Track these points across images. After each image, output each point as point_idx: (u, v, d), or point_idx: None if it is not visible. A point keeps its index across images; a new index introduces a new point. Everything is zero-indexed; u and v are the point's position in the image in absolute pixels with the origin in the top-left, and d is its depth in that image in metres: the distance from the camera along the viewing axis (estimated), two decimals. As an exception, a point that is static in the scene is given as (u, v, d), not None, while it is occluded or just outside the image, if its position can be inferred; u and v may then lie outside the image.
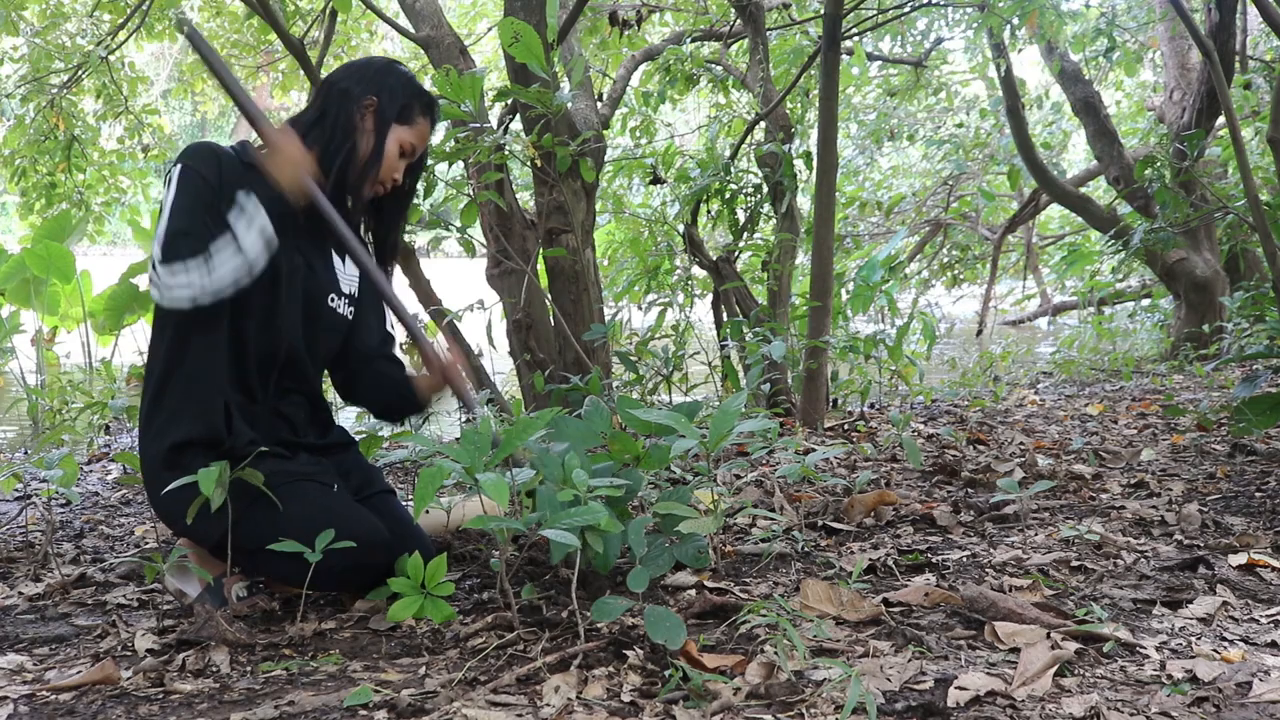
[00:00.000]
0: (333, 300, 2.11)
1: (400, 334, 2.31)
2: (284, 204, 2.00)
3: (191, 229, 1.86)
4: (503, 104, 4.05)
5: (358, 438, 2.53)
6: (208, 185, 1.93)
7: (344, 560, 1.85)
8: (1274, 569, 2.02)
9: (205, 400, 1.96)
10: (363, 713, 1.44)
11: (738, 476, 2.89)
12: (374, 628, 1.86)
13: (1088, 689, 1.43)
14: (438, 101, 2.18)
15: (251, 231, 1.86)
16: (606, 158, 4.85)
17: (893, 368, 4.57)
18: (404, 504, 2.24)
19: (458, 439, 1.82)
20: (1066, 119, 9.43)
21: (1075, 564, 2.06)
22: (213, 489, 1.75)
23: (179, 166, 1.94)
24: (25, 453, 4.46)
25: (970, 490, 2.85)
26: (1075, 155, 12.65)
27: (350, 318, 2.17)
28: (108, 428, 5.08)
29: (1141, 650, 1.58)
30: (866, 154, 10.37)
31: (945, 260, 10.81)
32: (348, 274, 2.16)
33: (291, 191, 1.97)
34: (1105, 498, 2.72)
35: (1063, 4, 7.02)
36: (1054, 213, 11.24)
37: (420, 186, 3.18)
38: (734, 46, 6.68)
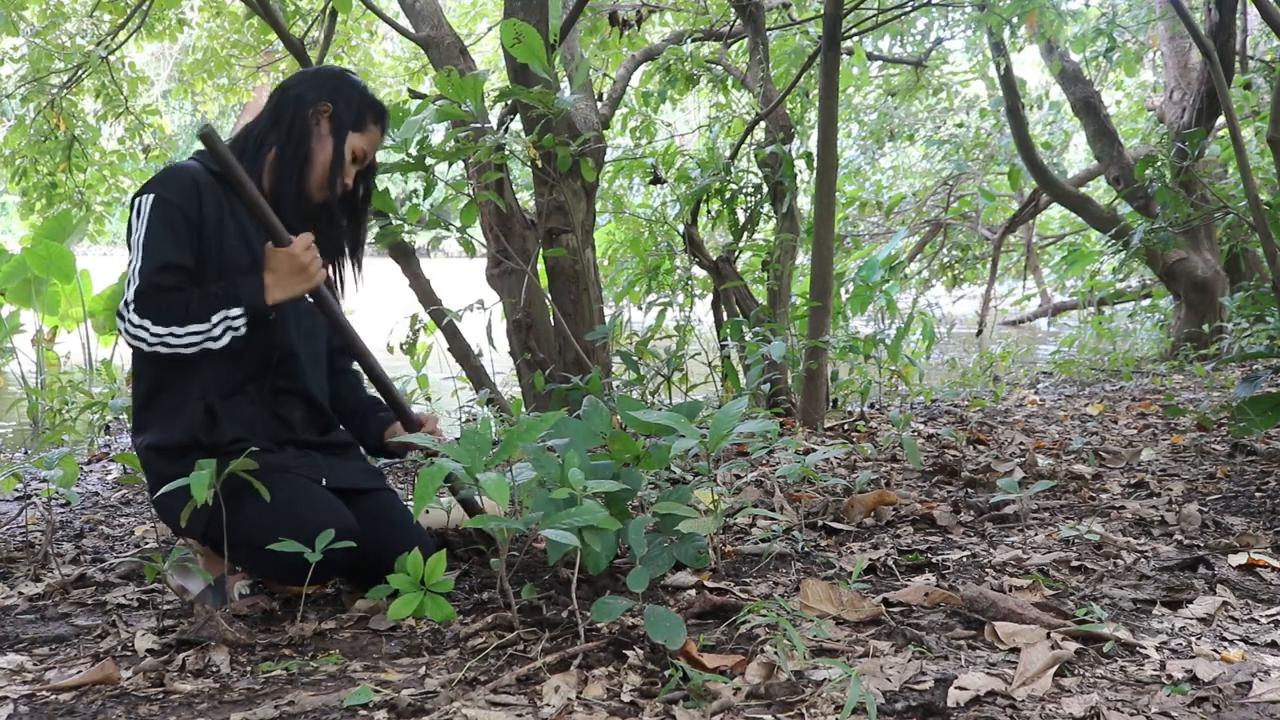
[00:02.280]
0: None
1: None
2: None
3: (170, 276, 1.90)
4: (503, 104, 4.05)
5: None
6: (187, 220, 1.95)
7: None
8: (1274, 569, 2.02)
9: (194, 402, 1.98)
10: (363, 713, 1.44)
11: (738, 476, 2.89)
12: (374, 628, 1.86)
13: (1088, 689, 1.43)
14: (388, 111, 2.21)
15: (226, 335, 1.91)
16: (606, 158, 4.85)
17: (892, 368, 4.57)
18: (406, 504, 2.24)
19: (458, 439, 1.82)
20: (1067, 119, 9.42)
21: (1075, 564, 2.06)
22: (203, 494, 1.75)
23: (151, 197, 1.94)
24: (25, 453, 4.46)
25: (970, 490, 2.85)
26: (1076, 155, 12.64)
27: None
28: (108, 428, 5.08)
29: (1141, 650, 1.58)
30: (867, 154, 10.37)
31: (945, 260, 10.80)
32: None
33: (290, 299, 1.98)
34: (1105, 498, 2.72)
35: (1063, 4, 7.02)
36: (1054, 213, 11.23)
37: (420, 187, 3.19)
38: (734, 46, 6.68)
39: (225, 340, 1.91)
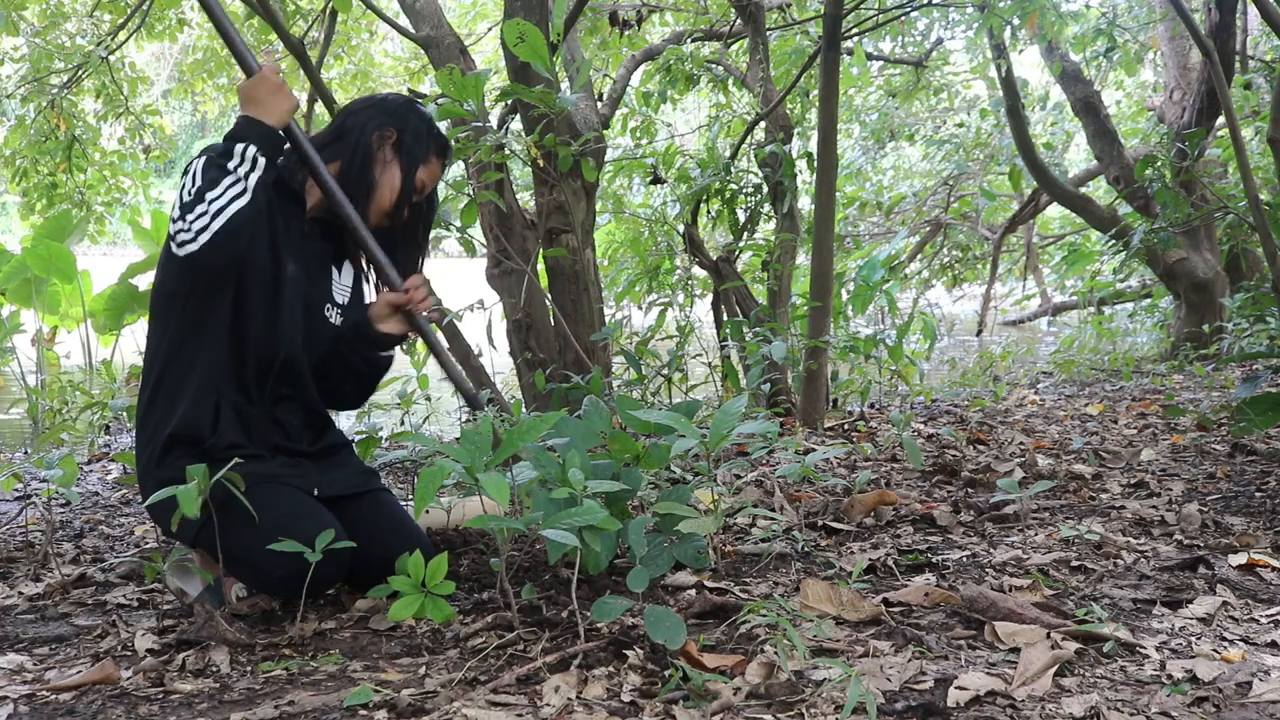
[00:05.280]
0: (328, 310, 2.14)
1: None
2: (291, 212, 2.03)
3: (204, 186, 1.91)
4: (503, 104, 4.05)
5: (356, 438, 2.53)
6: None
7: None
8: (1274, 569, 2.02)
9: (197, 397, 1.97)
10: (363, 713, 1.44)
11: (738, 476, 2.89)
12: (374, 628, 1.86)
13: (1088, 689, 1.43)
14: (450, 145, 2.22)
15: (252, 173, 1.92)
16: (606, 158, 4.85)
17: (893, 368, 4.57)
18: (404, 504, 2.24)
19: (458, 439, 1.82)
20: (1069, 119, 9.43)
21: (1075, 564, 2.06)
22: (193, 507, 1.73)
23: (204, 157, 1.97)
24: (25, 453, 4.46)
25: (970, 490, 2.85)
26: (1077, 155, 12.64)
27: (339, 326, 2.18)
28: (108, 428, 5.08)
29: (1141, 650, 1.58)
30: (868, 155, 10.37)
31: (945, 260, 10.81)
32: (341, 285, 2.19)
33: (279, 122, 2.01)
34: (1105, 498, 2.72)
35: (1063, 4, 7.02)
36: (1054, 213, 11.24)
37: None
38: (734, 46, 6.68)
39: (254, 177, 1.91)
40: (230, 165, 1.91)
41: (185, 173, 1.96)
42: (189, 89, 9.39)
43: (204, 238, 1.86)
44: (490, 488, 1.64)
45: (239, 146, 1.93)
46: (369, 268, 2.23)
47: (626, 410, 2.08)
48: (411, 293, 2.13)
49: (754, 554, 2.21)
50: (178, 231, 1.88)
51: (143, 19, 6.64)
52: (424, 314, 2.15)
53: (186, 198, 1.89)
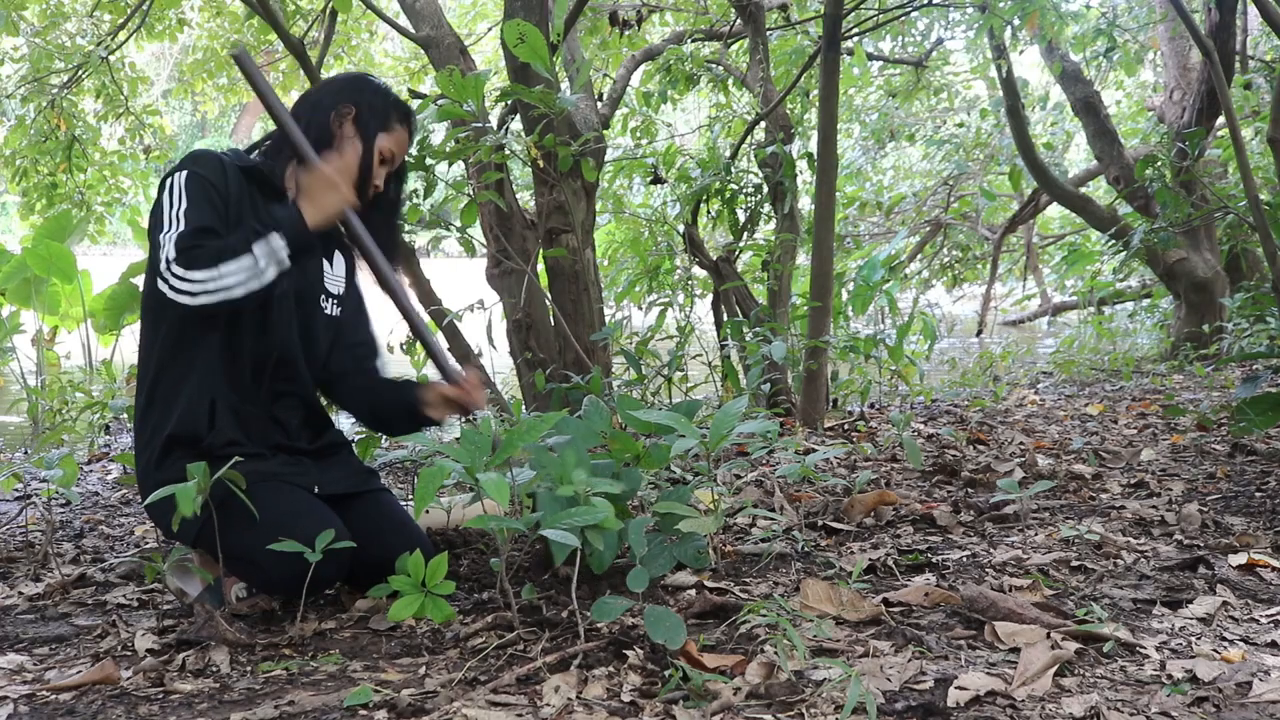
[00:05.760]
0: (323, 300, 2.13)
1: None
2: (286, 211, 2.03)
3: (208, 236, 1.89)
4: (503, 104, 4.04)
5: (356, 438, 2.53)
6: (217, 193, 1.96)
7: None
8: (1274, 569, 2.02)
9: (193, 397, 1.97)
10: (363, 713, 1.44)
11: (738, 476, 2.89)
12: (374, 628, 1.86)
13: (1088, 689, 1.43)
14: (413, 110, 2.20)
15: (271, 266, 1.89)
16: (607, 158, 4.85)
17: (893, 368, 4.57)
18: (403, 504, 2.24)
19: (458, 439, 1.82)
20: (1069, 119, 9.42)
21: (1075, 564, 2.06)
22: (190, 507, 1.72)
23: (185, 173, 1.95)
24: (25, 453, 4.46)
25: (970, 490, 2.85)
26: (1077, 155, 12.64)
27: (339, 316, 2.18)
28: (108, 428, 5.08)
29: (1141, 650, 1.58)
30: (868, 155, 10.37)
31: (945, 260, 10.80)
32: (333, 274, 2.18)
33: (323, 221, 1.98)
34: (1105, 498, 2.72)
35: (1063, 4, 7.02)
36: (1054, 213, 11.23)
37: (420, 187, 3.19)
38: (734, 46, 6.68)
39: (271, 273, 1.88)
40: (256, 251, 1.87)
41: (166, 189, 1.94)
42: (189, 89, 9.38)
43: (199, 298, 1.85)
44: (490, 488, 1.65)
45: (275, 240, 1.88)
46: (358, 254, 2.22)
47: (626, 410, 2.08)
48: (471, 392, 2.11)
49: (754, 554, 2.21)
50: (169, 272, 1.84)
51: (143, 19, 6.63)
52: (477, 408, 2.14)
53: (182, 235, 1.85)
